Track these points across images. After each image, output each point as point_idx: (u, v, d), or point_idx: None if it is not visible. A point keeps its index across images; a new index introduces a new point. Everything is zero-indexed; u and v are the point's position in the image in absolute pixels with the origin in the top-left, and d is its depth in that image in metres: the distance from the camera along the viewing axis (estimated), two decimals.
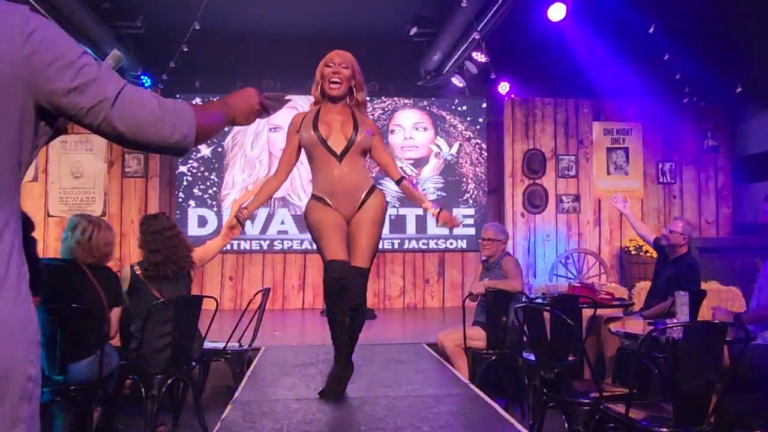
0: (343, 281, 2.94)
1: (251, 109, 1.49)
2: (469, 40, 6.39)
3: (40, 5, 5.46)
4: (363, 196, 3.16)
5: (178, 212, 8.22)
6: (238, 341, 4.38)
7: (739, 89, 7.50)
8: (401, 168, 3.31)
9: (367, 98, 3.39)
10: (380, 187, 3.34)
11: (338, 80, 3.08)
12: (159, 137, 1.09)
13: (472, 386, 3.68)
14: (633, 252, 7.74)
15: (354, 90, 3.21)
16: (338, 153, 3.07)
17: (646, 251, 7.49)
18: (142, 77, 7.60)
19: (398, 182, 3.33)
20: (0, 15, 0.96)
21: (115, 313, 3.38)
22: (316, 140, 3.06)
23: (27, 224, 2.55)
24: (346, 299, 2.99)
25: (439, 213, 3.23)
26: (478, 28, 6.04)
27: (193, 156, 8.26)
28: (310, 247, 8.22)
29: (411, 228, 8.45)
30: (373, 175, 7.31)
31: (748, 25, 6.54)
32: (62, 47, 1.00)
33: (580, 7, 5.42)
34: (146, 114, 1.07)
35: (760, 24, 6.47)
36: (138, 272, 3.60)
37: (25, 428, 0.99)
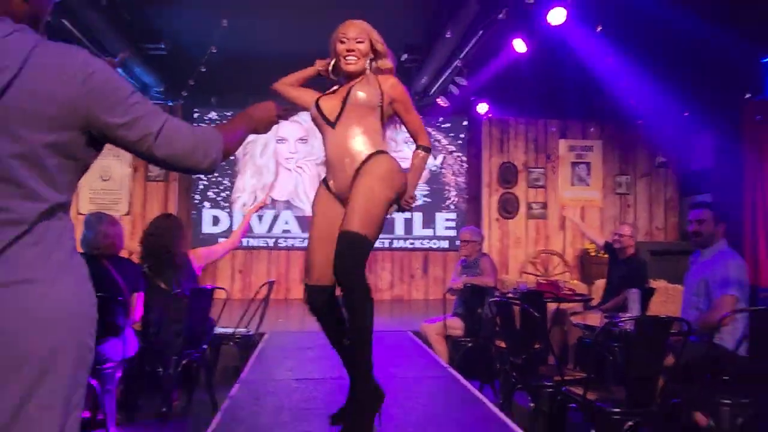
0: (317, 308, 2.32)
1: (271, 120, 1.55)
2: (453, 66, 6.42)
3: (75, 28, 5.42)
4: (358, 165, 2.27)
5: (194, 212, 8.19)
6: (246, 327, 4.36)
7: (686, 113, 7.58)
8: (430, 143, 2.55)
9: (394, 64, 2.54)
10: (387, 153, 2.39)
11: (354, 57, 2.39)
12: (192, 164, 1.15)
13: (451, 369, 3.67)
14: (592, 253, 7.78)
15: (374, 61, 2.45)
16: (332, 119, 2.32)
17: (604, 253, 7.54)
18: (164, 95, 7.59)
19: (416, 149, 2.49)
20: (66, 57, 1.00)
21: (137, 299, 3.31)
22: (316, 114, 2.37)
23: None
24: (332, 322, 2.37)
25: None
26: (460, 56, 6.07)
27: None
28: None
29: (399, 229, 8.47)
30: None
31: (693, 56, 6.60)
32: (117, 87, 1.04)
33: (549, 40, 5.44)
34: (183, 146, 1.11)
35: (704, 56, 6.54)
36: (145, 269, 3.59)
37: (83, 393, 1.00)
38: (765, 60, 6.46)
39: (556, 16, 4.19)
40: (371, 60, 2.45)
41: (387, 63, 2.48)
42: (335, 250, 2.14)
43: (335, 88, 2.51)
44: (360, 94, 2.34)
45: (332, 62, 2.46)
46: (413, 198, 2.49)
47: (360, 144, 2.32)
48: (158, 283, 3.52)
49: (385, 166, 2.30)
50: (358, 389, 2.21)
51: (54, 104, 0.96)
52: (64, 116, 0.98)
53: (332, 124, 2.33)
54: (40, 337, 0.93)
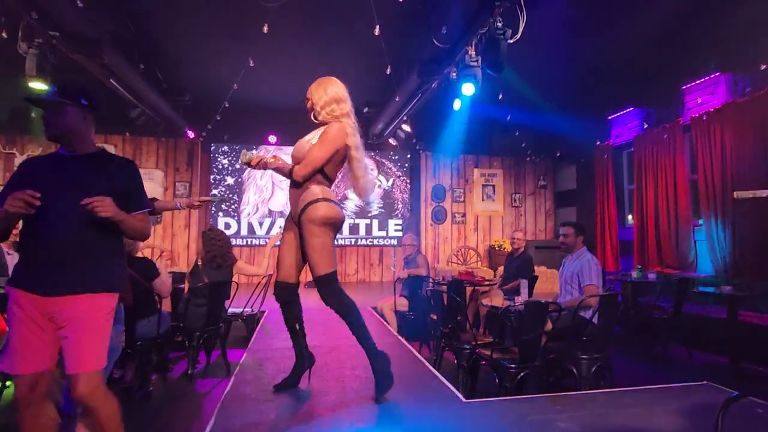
0: (281, 300, 2.32)
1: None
2: (400, 118, 6.48)
3: (118, 84, 5.17)
4: (299, 213, 2.19)
5: (211, 220, 7.94)
6: (251, 308, 4.28)
7: (558, 153, 7.90)
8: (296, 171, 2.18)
9: (333, 116, 2.23)
10: (321, 201, 2.15)
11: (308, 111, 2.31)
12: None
13: (399, 336, 3.71)
14: (497, 248, 7.99)
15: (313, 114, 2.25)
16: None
17: (504, 248, 7.76)
18: (188, 132, 7.33)
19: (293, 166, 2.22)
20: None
21: (158, 281, 2.87)
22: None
23: None
24: (290, 310, 2.36)
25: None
26: (405, 111, 6.14)
27: (222, 184, 7.99)
28: None
29: (362, 231, 8.46)
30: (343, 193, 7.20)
31: (562, 114, 6.91)
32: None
33: (465, 101, 5.57)
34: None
35: (570, 114, 6.85)
36: (199, 263, 3.47)
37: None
38: (609, 117, 6.83)
39: (468, 89, 4.29)
40: (312, 113, 2.25)
41: (321, 116, 2.20)
42: (318, 289, 2.14)
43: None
44: (297, 155, 2.19)
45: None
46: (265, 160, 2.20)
47: (303, 195, 2.17)
48: (204, 278, 3.38)
49: (313, 220, 2.12)
50: (373, 361, 2.23)
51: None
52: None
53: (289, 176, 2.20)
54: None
